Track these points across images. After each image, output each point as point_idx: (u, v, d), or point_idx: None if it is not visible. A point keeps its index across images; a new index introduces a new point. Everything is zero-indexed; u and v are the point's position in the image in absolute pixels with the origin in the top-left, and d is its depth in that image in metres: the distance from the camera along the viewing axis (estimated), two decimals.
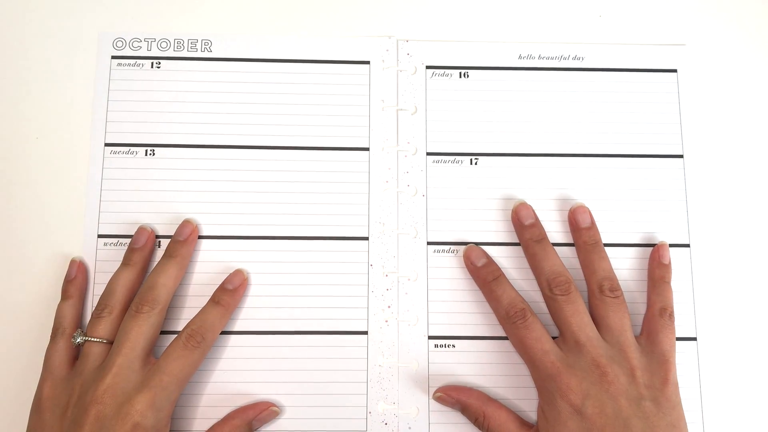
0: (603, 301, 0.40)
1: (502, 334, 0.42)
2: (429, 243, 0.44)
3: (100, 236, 0.43)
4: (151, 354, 0.40)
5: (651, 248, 0.43)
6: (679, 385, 0.41)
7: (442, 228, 0.44)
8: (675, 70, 0.46)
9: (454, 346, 0.43)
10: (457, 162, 0.45)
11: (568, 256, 0.43)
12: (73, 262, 0.42)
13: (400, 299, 0.43)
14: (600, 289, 0.41)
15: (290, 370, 0.42)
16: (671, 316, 0.41)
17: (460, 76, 0.46)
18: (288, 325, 0.43)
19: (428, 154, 0.45)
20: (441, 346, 0.43)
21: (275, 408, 0.41)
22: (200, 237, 0.43)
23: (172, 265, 0.41)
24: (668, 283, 0.42)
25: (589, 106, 0.46)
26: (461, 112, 0.45)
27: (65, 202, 0.44)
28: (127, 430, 0.36)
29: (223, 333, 0.42)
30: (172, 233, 0.43)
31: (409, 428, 0.42)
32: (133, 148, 0.44)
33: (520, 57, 0.46)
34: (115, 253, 0.43)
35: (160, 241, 0.43)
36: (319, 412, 0.42)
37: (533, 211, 0.43)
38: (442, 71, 0.46)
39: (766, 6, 0.48)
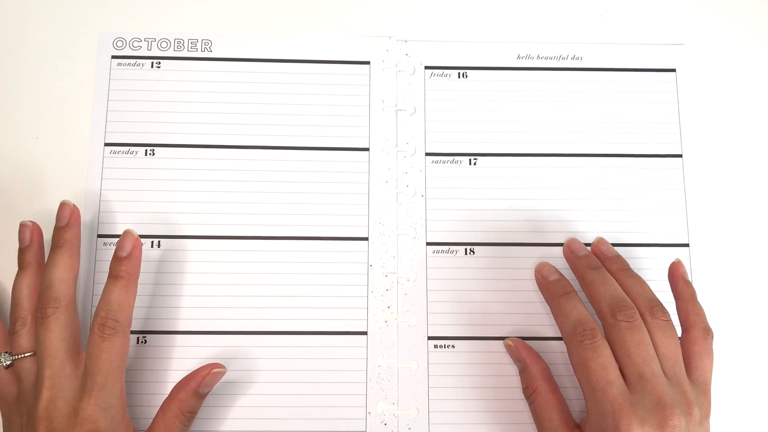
0: (655, 326, 0.37)
1: (502, 334, 0.43)
2: (428, 243, 0.44)
3: (99, 236, 0.43)
4: (80, 350, 0.38)
5: (645, 248, 0.43)
6: None
7: (442, 228, 0.44)
8: (674, 70, 0.46)
9: (453, 346, 0.43)
10: (456, 162, 0.45)
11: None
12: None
13: (399, 300, 0.43)
14: (651, 312, 0.38)
15: (290, 370, 0.42)
16: (712, 336, 0.38)
17: (459, 77, 0.46)
18: (288, 325, 0.43)
19: (427, 154, 0.45)
20: (440, 346, 0.43)
21: (218, 368, 0.40)
22: (200, 237, 0.43)
23: (62, 254, 0.39)
24: (697, 300, 0.39)
25: (588, 105, 0.46)
26: (460, 113, 0.45)
27: None
28: None
29: (223, 333, 0.42)
30: (172, 233, 0.43)
31: (409, 429, 0.42)
32: (133, 148, 0.44)
33: (518, 57, 0.46)
34: None
35: (160, 242, 0.43)
36: (319, 413, 0.42)
37: (582, 244, 0.43)
38: (440, 71, 0.46)
39: (766, 6, 0.48)
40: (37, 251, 0.40)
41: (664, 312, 0.38)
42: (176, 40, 0.46)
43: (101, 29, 0.46)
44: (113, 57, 0.46)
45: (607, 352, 0.36)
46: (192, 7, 0.47)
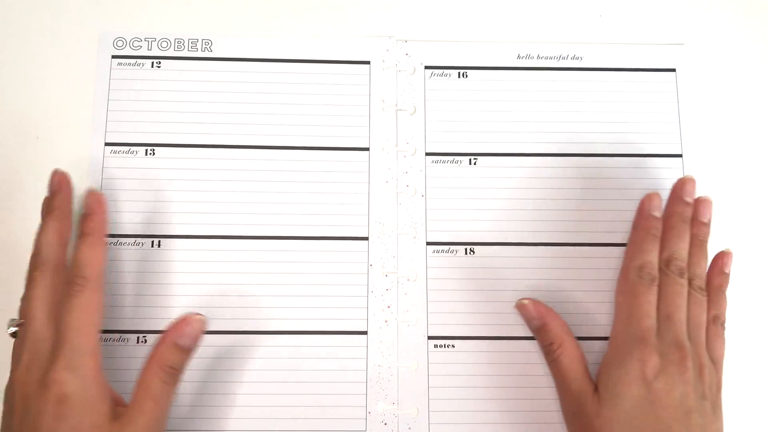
0: (691, 295, 0.40)
1: (502, 334, 0.43)
2: (428, 243, 0.44)
3: None
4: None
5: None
6: None
7: (442, 228, 0.44)
8: (674, 70, 0.46)
9: (453, 346, 0.43)
10: (456, 162, 0.45)
11: (568, 256, 0.44)
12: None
13: (399, 299, 0.43)
14: (691, 283, 0.40)
15: (290, 370, 0.42)
16: (723, 325, 0.40)
17: (459, 76, 0.46)
18: (288, 324, 0.43)
19: (427, 154, 0.45)
20: (440, 346, 0.43)
21: (198, 316, 0.38)
22: (200, 237, 0.43)
23: (49, 220, 0.39)
24: (724, 292, 0.42)
25: (588, 105, 0.46)
26: (460, 112, 0.45)
27: None
28: (53, 404, 0.33)
29: (223, 333, 0.42)
30: (171, 233, 0.43)
31: (409, 429, 0.42)
32: (133, 148, 0.44)
33: (518, 57, 0.46)
34: (116, 253, 0.43)
35: (160, 241, 0.43)
36: (319, 412, 0.42)
37: (695, 190, 0.43)
38: (440, 71, 0.46)
39: (766, 6, 0.48)
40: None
41: (703, 288, 0.40)
42: (176, 40, 0.46)
43: (101, 29, 0.46)
44: (113, 57, 0.46)
45: (656, 296, 0.40)
46: (192, 7, 0.47)
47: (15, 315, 0.41)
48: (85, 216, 0.40)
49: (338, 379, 0.42)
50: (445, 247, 0.44)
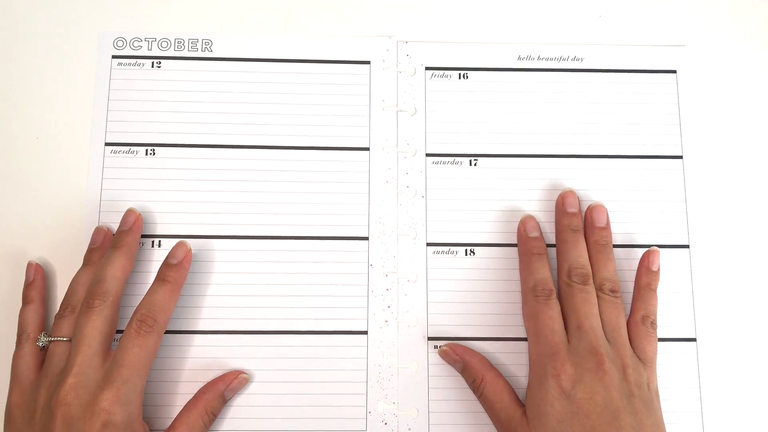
0: (602, 299, 0.41)
1: (501, 335, 0.43)
2: (428, 244, 0.44)
3: None
4: (110, 348, 0.39)
5: (646, 249, 0.43)
6: (679, 385, 0.42)
7: (442, 229, 0.44)
8: (674, 71, 0.46)
9: None
10: (457, 163, 0.45)
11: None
12: (30, 265, 0.42)
13: (399, 300, 0.43)
14: (601, 287, 0.41)
15: (290, 370, 0.42)
16: (653, 324, 0.41)
17: (460, 77, 0.46)
18: (288, 324, 0.43)
19: (428, 155, 0.45)
20: (441, 347, 0.43)
21: (245, 375, 0.41)
22: (199, 237, 0.43)
23: (119, 255, 0.40)
24: (654, 290, 0.42)
25: (589, 107, 0.46)
26: (460, 114, 0.45)
27: (66, 202, 0.44)
28: (97, 429, 0.35)
29: (224, 332, 0.42)
30: (172, 233, 0.43)
31: (409, 429, 0.42)
32: (133, 148, 0.44)
33: (519, 58, 0.46)
34: None
35: (161, 241, 0.43)
36: (319, 412, 0.42)
37: (579, 201, 0.44)
38: (441, 72, 0.46)
39: (766, 6, 0.48)
40: (104, 253, 0.42)
41: (615, 291, 0.41)
42: (176, 40, 0.46)
43: (102, 29, 0.46)
44: (114, 57, 0.46)
45: (557, 308, 0.40)
46: (192, 7, 0.47)
47: (11, 314, 0.42)
48: (171, 264, 0.41)
49: (339, 378, 0.42)
50: (446, 248, 0.44)
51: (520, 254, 0.43)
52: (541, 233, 0.43)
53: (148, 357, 0.38)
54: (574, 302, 0.40)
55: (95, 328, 0.38)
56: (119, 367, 0.37)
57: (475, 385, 0.41)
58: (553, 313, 0.40)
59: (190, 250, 0.42)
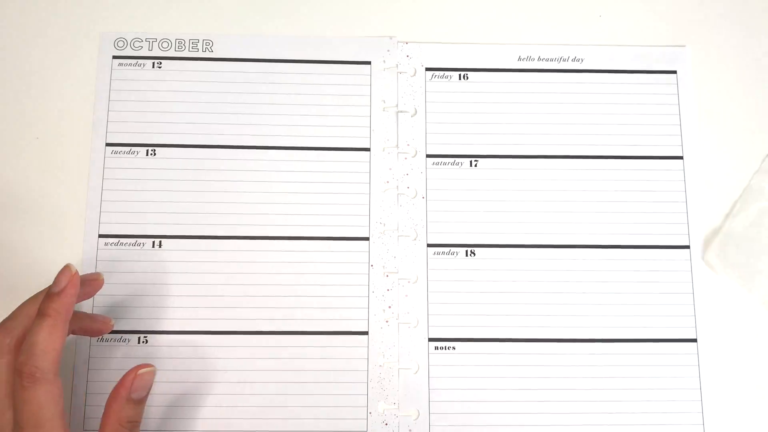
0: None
1: (503, 336, 0.43)
2: (429, 245, 0.44)
3: (101, 236, 0.43)
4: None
5: (646, 250, 0.43)
6: (680, 386, 0.42)
7: (442, 230, 0.44)
8: (675, 72, 0.46)
9: (454, 348, 0.43)
10: (457, 164, 0.45)
11: (568, 258, 0.44)
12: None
13: (400, 301, 0.43)
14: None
15: (291, 370, 0.42)
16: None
17: (460, 78, 0.46)
18: (288, 324, 0.43)
19: (428, 156, 0.45)
20: (441, 348, 0.43)
21: (145, 369, 0.36)
22: (200, 237, 0.43)
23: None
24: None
25: (589, 107, 0.46)
26: (461, 114, 0.45)
27: (66, 202, 0.44)
28: None
29: (223, 333, 0.42)
30: (172, 233, 0.43)
31: (410, 430, 0.42)
32: (134, 148, 0.44)
33: (519, 59, 0.46)
34: (117, 253, 0.43)
35: (161, 242, 0.43)
36: (320, 412, 0.42)
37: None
38: (441, 73, 0.46)
39: (766, 7, 0.48)
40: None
41: None
42: (177, 41, 0.46)
43: (102, 29, 0.46)
44: (114, 57, 0.45)
45: None
46: (193, 7, 0.47)
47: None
48: (51, 294, 0.35)
49: (339, 379, 0.42)
50: (446, 249, 0.44)
51: None
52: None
53: (46, 410, 0.33)
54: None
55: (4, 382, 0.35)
56: (21, 429, 0.33)
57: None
58: None
59: (76, 273, 0.36)
